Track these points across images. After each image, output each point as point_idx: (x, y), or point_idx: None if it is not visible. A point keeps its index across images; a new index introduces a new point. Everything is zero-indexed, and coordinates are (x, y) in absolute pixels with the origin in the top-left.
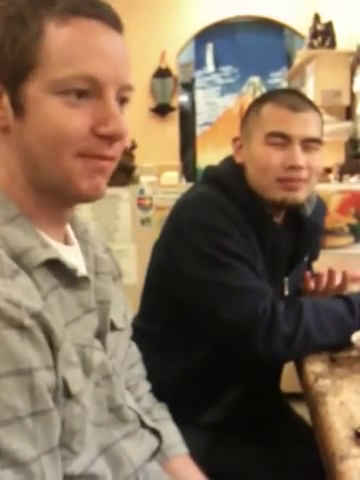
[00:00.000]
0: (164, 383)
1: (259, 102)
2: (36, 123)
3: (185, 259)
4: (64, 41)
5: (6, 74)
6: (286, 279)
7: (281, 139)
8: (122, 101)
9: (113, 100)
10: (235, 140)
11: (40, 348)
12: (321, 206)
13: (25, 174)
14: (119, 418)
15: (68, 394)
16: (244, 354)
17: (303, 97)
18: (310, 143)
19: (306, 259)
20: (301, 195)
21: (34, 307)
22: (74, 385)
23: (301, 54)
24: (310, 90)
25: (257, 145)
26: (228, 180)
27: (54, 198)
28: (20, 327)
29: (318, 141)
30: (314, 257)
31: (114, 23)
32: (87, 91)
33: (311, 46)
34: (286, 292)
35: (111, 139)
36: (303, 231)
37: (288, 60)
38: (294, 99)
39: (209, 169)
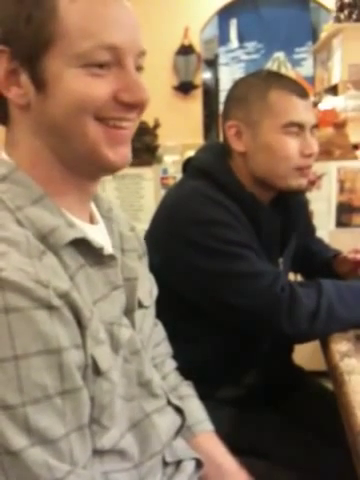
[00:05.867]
0: (180, 370)
1: (260, 87)
2: (60, 95)
3: (192, 258)
4: (80, 14)
5: (23, 52)
6: (280, 260)
7: (297, 128)
8: (138, 69)
9: (133, 68)
10: (231, 127)
11: (69, 327)
12: None
13: (51, 150)
14: (149, 393)
15: (98, 372)
16: (269, 336)
17: (296, 81)
18: (314, 129)
19: (295, 238)
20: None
21: (61, 287)
22: (103, 362)
23: (327, 28)
24: (336, 64)
25: (271, 134)
26: (216, 172)
27: (81, 171)
28: (49, 307)
29: (316, 126)
30: (308, 233)
31: None
32: (109, 61)
33: (337, 20)
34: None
35: (134, 107)
36: (289, 211)
37: (314, 34)
38: (295, 84)
39: (193, 161)
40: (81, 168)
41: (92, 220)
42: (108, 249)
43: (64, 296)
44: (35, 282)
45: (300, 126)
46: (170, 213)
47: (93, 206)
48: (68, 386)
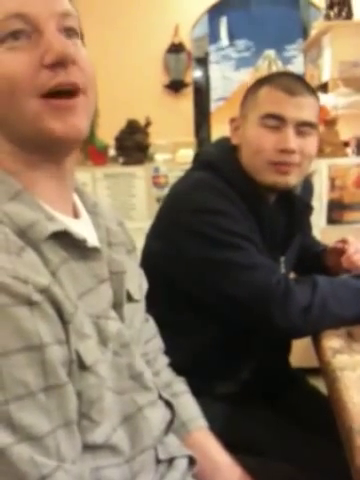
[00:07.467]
0: (177, 364)
1: (258, 84)
2: None
3: (192, 246)
4: None
5: None
6: (282, 258)
7: (275, 121)
8: (69, 33)
9: (52, 30)
10: (232, 121)
11: (51, 323)
12: (309, 185)
13: (6, 139)
14: (141, 385)
15: (82, 366)
16: (263, 329)
17: (301, 81)
18: (304, 127)
19: (299, 238)
20: (292, 179)
21: (41, 282)
22: (88, 357)
23: (317, 25)
24: (327, 62)
25: (251, 127)
26: (221, 164)
27: (41, 154)
28: (29, 303)
29: (313, 125)
30: (306, 235)
31: None
32: (24, 31)
33: (327, 17)
34: (283, 271)
35: (60, 64)
36: (294, 210)
37: (304, 32)
38: (292, 82)
39: (201, 154)
40: (38, 151)
41: (76, 214)
42: (92, 242)
43: (44, 291)
44: (13, 278)
45: (280, 120)
46: (173, 202)
47: (77, 200)
48: (52, 382)
